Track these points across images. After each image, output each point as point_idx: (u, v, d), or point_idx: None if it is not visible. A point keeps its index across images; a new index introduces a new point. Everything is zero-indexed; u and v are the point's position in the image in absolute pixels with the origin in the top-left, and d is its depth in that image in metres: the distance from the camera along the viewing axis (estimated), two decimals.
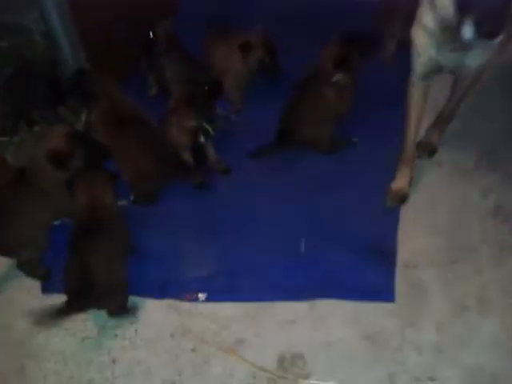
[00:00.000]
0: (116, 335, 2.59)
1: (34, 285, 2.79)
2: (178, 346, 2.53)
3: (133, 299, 2.65)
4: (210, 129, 3.08)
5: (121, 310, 2.60)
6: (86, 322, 2.64)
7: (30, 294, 2.77)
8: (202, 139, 3.08)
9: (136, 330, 2.60)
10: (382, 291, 2.61)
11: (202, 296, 2.68)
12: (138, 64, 3.54)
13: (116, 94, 3.09)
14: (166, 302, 2.69)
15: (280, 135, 3.17)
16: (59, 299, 2.61)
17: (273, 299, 2.64)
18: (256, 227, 2.91)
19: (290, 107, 3.17)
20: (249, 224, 2.93)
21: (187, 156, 3.08)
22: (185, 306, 2.67)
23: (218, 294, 2.68)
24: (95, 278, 2.38)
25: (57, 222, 2.92)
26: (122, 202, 2.98)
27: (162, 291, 2.70)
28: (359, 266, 2.69)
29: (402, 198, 2.96)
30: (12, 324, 2.68)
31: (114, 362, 2.51)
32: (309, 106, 3.12)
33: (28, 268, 2.80)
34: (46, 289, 2.76)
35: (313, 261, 2.74)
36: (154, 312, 2.66)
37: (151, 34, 3.29)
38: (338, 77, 3.08)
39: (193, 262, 2.83)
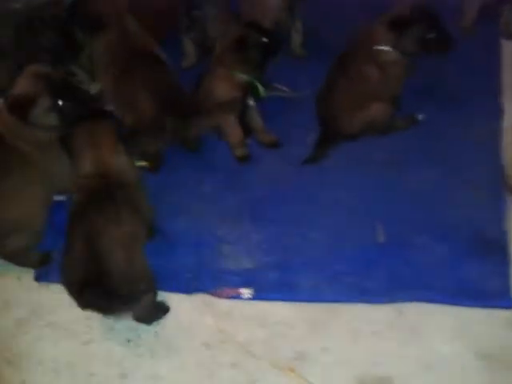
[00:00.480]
0: (129, 340, 1.90)
1: (27, 271, 2.13)
2: (213, 359, 1.83)
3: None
4: (261, 89, 2.45)
5: (149, 311, 1.90)
6: (89, 321, 1.95)
7: (20, 281, 2.11)
8: (252, 101, 2.46)
9: (156, 334, 1.90)
10: (497, 295, 1.90)
11: (246, 292, 1.99)
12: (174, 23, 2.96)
13: (128, 24, 2.51)
14: (199, 298, 2.00)
15: (323, 127, 2.53)
16: (56, 290, 1.98)
17: (344, 300, 1.94)
18: (318, 210, 2.25)
19: (327, 95, 2.52)
20: (308, 206, 2.27)
21: (232, 122, 2.44)
22: (224, 305, 1.98)
23: (268, 291, 1.99)
24: (107, 268, 1.72)
25: (59, 198, 2.27)
26: (141, 163, 2.34)
27: (192, 285, 2.02)
28: (460, 262, 2.02)
29: None
30: None
31: (124, 376, 1.81)
32: (347, 91, 2.44)
33: (17, 257, 2.13)
34: (41, 277, 2.10)
35: (396, 253, 2.07)
36: (182, 312, 1.97)
37: None
38: (383, 47, 2.38)
39: (235, 250, 2.15)
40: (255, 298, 1.98)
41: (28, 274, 2.11)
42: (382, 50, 2.40)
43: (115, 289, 1.72)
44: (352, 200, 2.26)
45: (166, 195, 2.31)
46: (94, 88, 2.81)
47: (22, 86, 2.05)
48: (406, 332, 1.83)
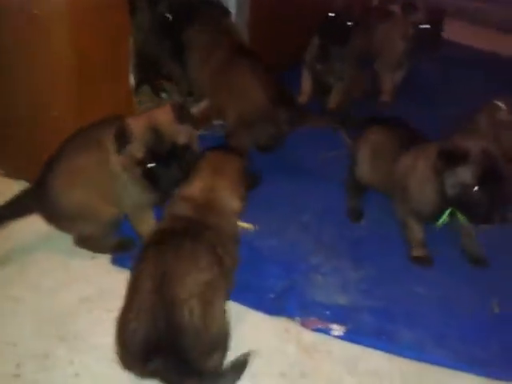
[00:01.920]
0: None
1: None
2: None
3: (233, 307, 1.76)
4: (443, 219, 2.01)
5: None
6: None
7: (93, 260, 1.96)
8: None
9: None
10: None
11: (337, 329, 1.74)
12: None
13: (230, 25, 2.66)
14: (282, 324, 1.77)
15: None
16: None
17: (451, 366, 1.65)
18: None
19: None
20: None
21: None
22: (309, 337, 1.73)
23: (362, 334, 1.74)
24: (180, 323, 1.40)
25: None
26: (244, 225, 2.09)
27: (277, 307, 1.80)
28: None
29: None
30: (58, 296, 1.84)
31: None
32: None
33: (87, 244, 2.00)
34: (117, 261, 1.94)
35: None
36: (263, 334, 1.74)
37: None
38: None
39: (328, 282, 1.92)
40: (346, 337, 1.73)
41: (104, 257, 1.97)
42: None
43: (188, 355, 1.38)
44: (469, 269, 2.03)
45: (264, 212, 2.16)
46: (195, 109, 2.75)
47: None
48: None
